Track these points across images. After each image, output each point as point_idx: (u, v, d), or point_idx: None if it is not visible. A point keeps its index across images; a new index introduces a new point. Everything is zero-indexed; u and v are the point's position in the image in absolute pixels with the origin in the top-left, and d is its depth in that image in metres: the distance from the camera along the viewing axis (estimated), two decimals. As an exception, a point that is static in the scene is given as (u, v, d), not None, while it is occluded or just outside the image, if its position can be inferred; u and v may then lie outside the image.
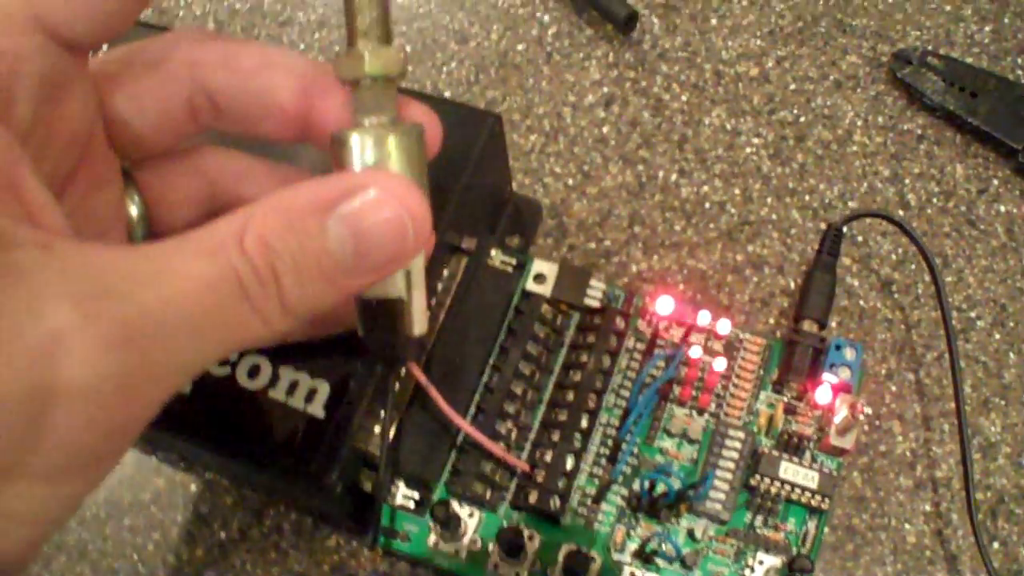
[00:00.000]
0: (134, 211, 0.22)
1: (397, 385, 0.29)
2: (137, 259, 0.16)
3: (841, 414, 0.30)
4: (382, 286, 0.21)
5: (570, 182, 0.37)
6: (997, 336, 0.34)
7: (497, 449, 0.29)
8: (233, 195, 0.24)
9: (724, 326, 0.31)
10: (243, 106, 0.21)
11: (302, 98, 0.21)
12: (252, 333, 0.17)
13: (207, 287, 0.16)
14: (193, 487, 0.34)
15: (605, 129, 0.38)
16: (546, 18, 0.40)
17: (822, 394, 0.30)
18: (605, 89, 0.39)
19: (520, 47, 0.40)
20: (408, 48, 0.40)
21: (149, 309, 0.15)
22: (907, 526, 0.32)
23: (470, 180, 0.30)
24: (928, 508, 0.32)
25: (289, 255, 0.17)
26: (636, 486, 0.30)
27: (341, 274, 0.18)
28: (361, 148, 0.19)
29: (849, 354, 0.30)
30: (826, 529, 0.30)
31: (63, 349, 0.14)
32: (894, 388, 0.34)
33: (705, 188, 0.37)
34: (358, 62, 0.19)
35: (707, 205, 0.36)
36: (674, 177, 0.37)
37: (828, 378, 0.30)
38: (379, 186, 0.18)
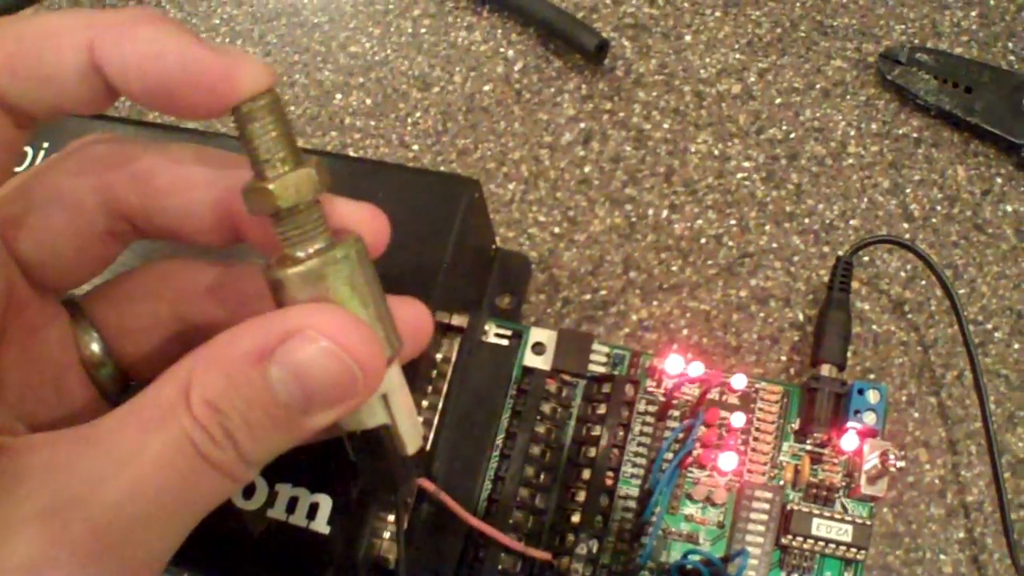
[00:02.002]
0: (96, 348, 0.21)
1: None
2: (89, 447, 0.16)
3: (871, 462, 0.28)
4: (359, 419, 0.20)
5: (556, 230, 0.35)
6: (1016, 346, 0.33)
7: (516, 545, 0.27)
8: (199, 314, 0.22)
9: (739, 381, 0.29)
10: (164, 225, 0.20)
11: (225, 211, 0.19)
12: (221, 491, 0.17)
13: (167, 465, 0.16)
14: (199, 598, 0.32)
15: (587, 169, 0.36)
16: (510, 53, 0.38)
17: (848, 441, 0.29)
18: (582, 125, 0.36)
19: (487, 88, 0.37)
20: (368, 100, 0.38)
21: (115, 509, 0.15)
22: (942, 556, 0.31)
23: (454, 254, 0.28)
24: (962, 535, 0.31)
25: (237, 414, 0.16)
26: (664, 558, 0.29)
27: (296, 418, 0.17)
28: (297, 290, 0.18)
29: (873, 397, 0.29)
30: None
31: None
32: (916, 414, 0.33)
33: (699, 222, 0.35)
34: (266, 197, 0.17)
35: (703, 240, 0.34)
36: (665, 213, 0.35)
37: (853, 424, 0.29)
38: (313, 325, 0.17)
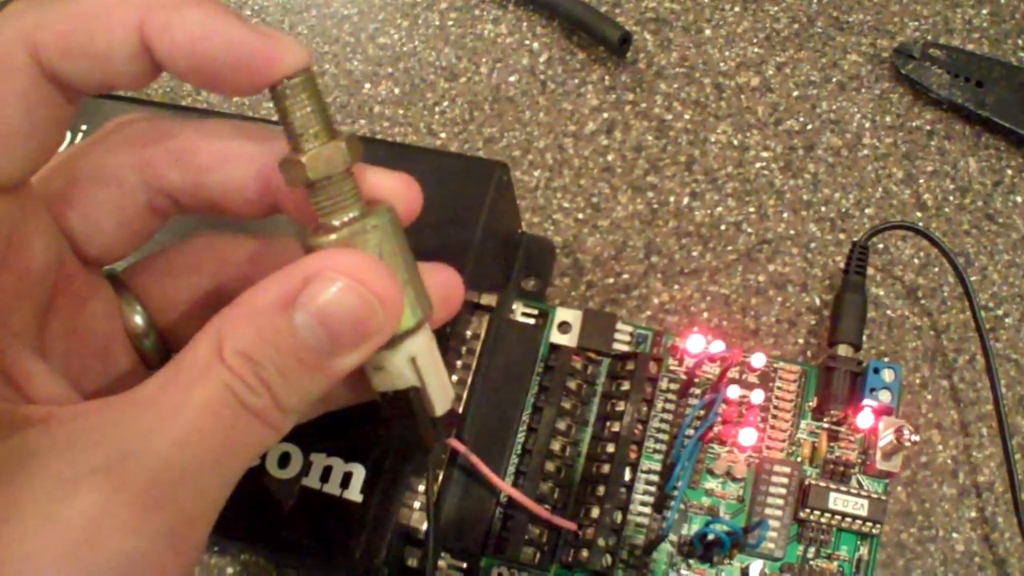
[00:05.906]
0: (139, 320, 0.21)
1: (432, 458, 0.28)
2: (135, 409, 0.16)
3: (886, 438, 0.29)
4: (390, 379, 0.20)
5: (580, 216, 0.36)
6: (1027, 332, 0.34)
7: (544, 513, 0.28)
8: (239, 286, 0.22)
9: (759, 359, 0.30)
10: (204, 200, 0.20)
11: (265, 185, 0.20)
12: (262, 439, 0.17)
13: (211, 415, 0.16)
14: (229, 570, 0.33)
15: (610, 157, 0.37)
16: (535, 45, 0.39)
17: (864, 419, 0.30)
18: (605, 115, 0.37)
19: (512, 78, 0.38)
20: (396, 90, 0.39)
21: (166, 460, 0.16)
22: (955, 535, 0.32)
23: (484, 234, 0.29)
24: (974, 514, 0.32)
25: (269, 361, 0.17)
26: (685, 530, 0.29)
27: (324, 360, 0.18)
28: None
29: (888, 376, 0.30)
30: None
31: (101, 529, 0.15)
32: (930, 397, 0.33)
33: (719, 209, 0.36)
34: (299, 169, 0.18)
35: (723, 227, 0.35)
36: (686, 201, 0.36)
37: (868, 403, 0.30)
38: (329, 266, 0.17)
